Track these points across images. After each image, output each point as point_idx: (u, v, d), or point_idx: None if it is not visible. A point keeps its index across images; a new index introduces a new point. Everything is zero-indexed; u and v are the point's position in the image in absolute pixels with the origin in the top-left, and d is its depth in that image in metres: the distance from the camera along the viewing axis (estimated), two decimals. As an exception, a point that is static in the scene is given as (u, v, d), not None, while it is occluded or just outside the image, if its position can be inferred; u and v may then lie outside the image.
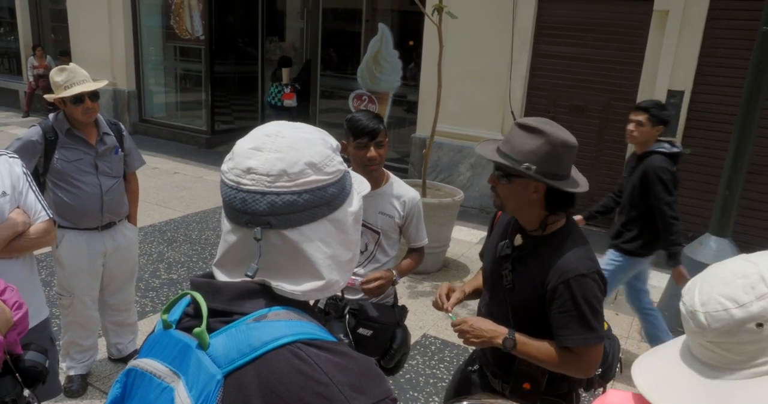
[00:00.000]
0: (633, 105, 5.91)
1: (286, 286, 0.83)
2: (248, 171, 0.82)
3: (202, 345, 0.77)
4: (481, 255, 2.07)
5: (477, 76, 6.56)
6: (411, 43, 7.48)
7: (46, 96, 2.97)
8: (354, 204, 0.91)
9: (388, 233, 2.37)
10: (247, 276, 0.82)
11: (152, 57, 10.11)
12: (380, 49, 7.31)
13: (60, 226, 2.83)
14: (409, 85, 7.59)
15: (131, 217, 3.21)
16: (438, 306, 1.92)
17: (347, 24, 8.86)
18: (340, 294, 2.41)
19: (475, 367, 1.99)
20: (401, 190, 2.40)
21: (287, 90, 7.65)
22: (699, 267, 4.24)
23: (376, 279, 2.25)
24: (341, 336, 2.33)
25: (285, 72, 7.75)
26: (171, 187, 7.06)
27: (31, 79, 10.87)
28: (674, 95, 5.70)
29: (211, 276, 0.88)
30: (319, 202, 0.84)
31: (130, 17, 9.54)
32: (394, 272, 2.34)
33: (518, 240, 1.75)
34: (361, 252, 2.42)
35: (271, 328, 0.79)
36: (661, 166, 3.21)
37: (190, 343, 0.78)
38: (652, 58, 5.72)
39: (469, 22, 6.35)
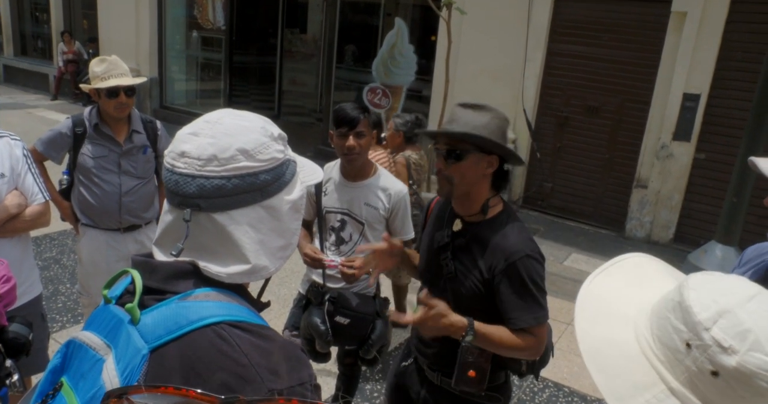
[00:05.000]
0: (647, 107, 5.86)
1: (212, 268, 0.86)
2: (182, 154, 0.85)
3: (133, 321, 0.80)
4: (417, 250, 2.03)
5: (491, 73, 6.52)
6: (433, 38, 7.44)
7: (82, 86, 2.90)
8: (294, 193, 0.93)
9: (372, 224, 2.38)
10: (172, 255, 0.84)
11: (176, 45, 10.28)
12: (396, 43, 7.29)
13: (82, 223, 2.83)
14: (423, 80, 7.58)
15: None
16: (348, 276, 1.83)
17: (366, 17, 8.87)
18: (321, 281, 2.42)
19: (410, 361, 1.94)
20: (388, 182, 2.41)
21: None
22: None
23: (352, 265, 2.19)
24: (319, 321, 2.35)
25: None
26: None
27: (60, 64, 11.17)
28: (690, 98, 5.58)
29: (151, 255, 0.91)
30: (248, 188, 0.86)
31: (155, 6, 9.71)
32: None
33: (457, 225, 1.73)
34: (346, 243, 2.42)
35: (199, 308, 0.81)
36: None
37: (124, 318, 0.81)
38: (668, 60, 5.60)
39: (484, 18, 6.30)
